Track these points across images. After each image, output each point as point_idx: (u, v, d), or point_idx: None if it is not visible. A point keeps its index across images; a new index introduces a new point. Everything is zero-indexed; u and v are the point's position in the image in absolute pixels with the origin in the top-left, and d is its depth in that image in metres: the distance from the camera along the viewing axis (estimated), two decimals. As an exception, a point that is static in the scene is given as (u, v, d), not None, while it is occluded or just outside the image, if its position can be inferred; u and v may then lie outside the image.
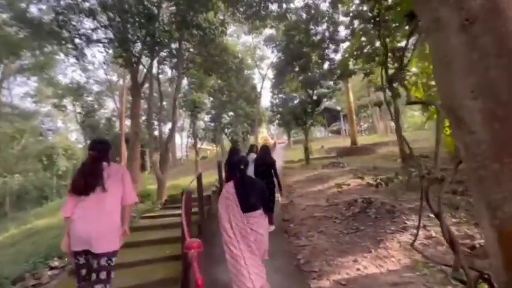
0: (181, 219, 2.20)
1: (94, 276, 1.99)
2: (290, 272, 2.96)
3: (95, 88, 28.16)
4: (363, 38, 7.72)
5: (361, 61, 8.17)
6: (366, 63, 7.68)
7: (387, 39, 6.13)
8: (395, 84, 6.62)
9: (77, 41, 8.18)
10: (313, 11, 10.56)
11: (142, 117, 15.75)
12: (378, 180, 4.76)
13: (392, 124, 32.84)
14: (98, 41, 8.75)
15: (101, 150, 2.20)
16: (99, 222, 1.99)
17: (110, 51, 9.56)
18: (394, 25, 5.82)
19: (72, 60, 9.37)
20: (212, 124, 23.09)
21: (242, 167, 2.37)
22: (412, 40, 7.23)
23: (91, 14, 7.57)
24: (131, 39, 8.18)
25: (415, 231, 3.53)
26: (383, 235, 3.49)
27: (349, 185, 6.44)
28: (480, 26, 1.01)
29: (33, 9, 11.69)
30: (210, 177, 9.72)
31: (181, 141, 41.40)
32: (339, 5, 9.74)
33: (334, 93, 14.11)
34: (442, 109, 1.27)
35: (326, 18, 10.42)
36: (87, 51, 9.20)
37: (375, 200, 4.84)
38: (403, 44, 6.98)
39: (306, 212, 5.02)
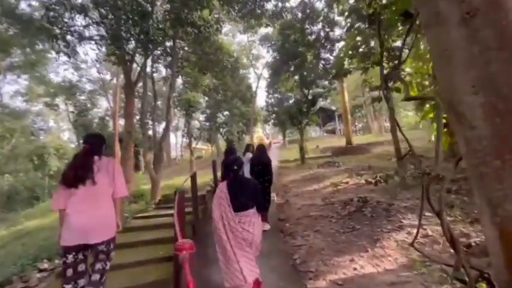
0: (173, 219, 2.13)
1: (93, 260, 2.08)
2: (286, 272, 2.92)
3: (88, 87, 27.81)
4: (358, 38, 7.73)
5: (356, 60, 8.18)
6: (361, 62, 7.70)
7: (384, 38, 6.14)
8: (390, 84, 6.64)
9: (68, 37, 7.99)
10: (308, 10, 10.56)
11: (136, 117, 15.57)
12: (378, 178, 4.76)
13: (387, 124, 33.23)
14: (90, 38, 8.57)
15: (94, 143, 2.23)
16: (93, 215, 2.02)
17: (103, 48, 9.39)
18: (389, 24, 5.83)
19: (64, 58, 9.14)
20: (207, 123, 22.98)
21: (235, 167, 2.41)
22: (406, 40, 7.30)
23: (83, 10, 7.40)
24: (124, 37, 8.02)
25: (412, 229, 3.54)
26: (379, 234, 3.48)
27: (347, 182, 6.46)
28: (481, 19, 0.99)
29: (23, 5, 11.44)
30: (205, 177, 9.64)
31: (176, 141, 41.20)
32: (334, 5, 9.77)
33: (329, 92, 14.16)
34: (442, 104, 1.24)
35: (321, 17, 10.43)
36: (79, 48, 8.99)
37: (371, 199, 4.84)
38: (397, 43, 7.03)
39: (301, 212, 4.99)
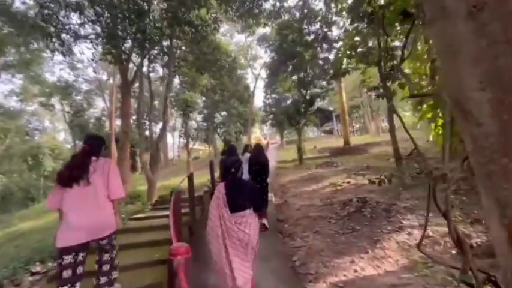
0: (169, 221, 2.07)
1: (99, 255, 2.17)
2: (286, 275, 2.86)
3: (84, 87, 27.60)
4: (356, 38, 7.72)
5: (354, 61, 8.17)
6: (359, 62, 7.69)
7: (383, 38, 6.13)
8: (389, 83, 6.63)
9: (63, 36, 7.86)
10: (306, 10, 10.54)
11: (133, 117, 15.43)
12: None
13: (384, 125, 33.37)
14: (86, 36, 8.46)
15: (93, 145, 2.27)
16: (92, 214, 2.05)
17: (99, 47, 9.28)
18: (388, 23, 5.82)
19: (60, 57, 9.00)
20: (204, 124, 22.90)
21: (233, 169, 2.45)
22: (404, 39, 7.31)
23: (78, 8, 7.29)
24: (121, 36, 7.91)
25: (412, 230, 3.50)
26: (379, 235, 3.43)
27: (347, 182, 6.42)
28: (489, 12, 0.95)
29: (17, 3, 11.29)
30: (202, 178, 9.56)
31: (173, 141, 41.01)
32: (332, 5, 9.75)
33: (327, 93, 14.16)
34: (449, 101, 1.20)
35: (319, 17, 10.41)
36: (74, 47, 8.86)
37: (370, 199, 4.81)
38: (396, 43, 7.02)
39: (300, 212, 4.94)
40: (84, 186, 2.05)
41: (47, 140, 25.55)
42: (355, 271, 2.75)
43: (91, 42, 8.55)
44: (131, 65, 10.97)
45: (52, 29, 7.49)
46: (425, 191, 5.24)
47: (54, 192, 2.10)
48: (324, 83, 13.44)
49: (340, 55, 9.13)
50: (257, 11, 10.46)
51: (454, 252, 2.86)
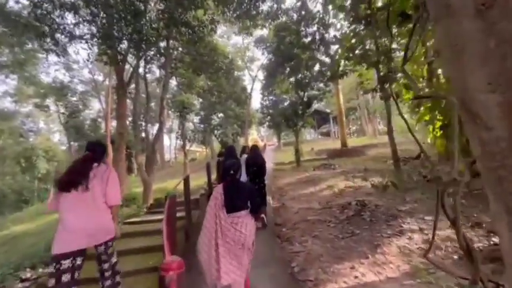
0: (162, 229, 1.98)
1: (99, 264, 2.20)
2: (285, 282, 2.77)
3: (80, 88, 27.41)
4: (353, 41, 7.70)
5: (352, 63, 8.15)
6: (357, 64, 7.67)
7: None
8: (386, 86, 6.60)
9: (58, 36, 7.73)
10: (303, 12, 10.53)
11: (128, 118, 15.25)
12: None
13: (381, 127, 33.55)
14: (81, 37, 8.32)
15: (96, 151, 2.31)
16: (90, 219, 2.07)
17: (94, 48, 9.16)
18: (385, 25, 5.79)
19: (55, 58, 8.89)
20: (201, 125, 22.79)
21: (232, 171, 2.48)
22: (400, 41, 7.31)
23: (73, 8, 7.17)
24: (116, 36, 7.80)
25: (412, 234, 3.43)
26: (379, 239, 3.36)
27: (346, 185, 6.34)
28: (498, 10, 0.91)
29: (11, 3, 11.12)
30: (199, 180, 9.45)
31: (170, 143, 40.78)
32: (329, 7, 9.75)
33: (324, 95, 14.16)
34: (457, 103, 1.13)
35: (317, 19, 10.40)
36: (70, 48, 8.73)
37: (369, 202, 4.75)
38: (394, 45, 7.01)
39: (298, 216, 4.86)
40: (82, 191, 2.07)
41: (41, 142, 25.20)
42: (356, 277, 2.67)
43: (86, 42, 8.42)
44: (127, 66, 10.85)
45: (46, 28, 7.36)
46: (423, 193, 5.20)
47: (54, 195, 2.12)
48: (322, 84, 13.45)
49: (337, 57, 9.11)
50: (254, 12, 10.43)
51: (456, 257, 2.80)
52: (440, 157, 7.45)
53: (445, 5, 1.03)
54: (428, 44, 7.22)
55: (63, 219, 2.02)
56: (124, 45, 8.95)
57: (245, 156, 4.88)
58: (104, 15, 7.44)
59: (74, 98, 26.36)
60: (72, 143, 26.75)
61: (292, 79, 13.00)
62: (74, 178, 2.08)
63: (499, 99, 0.90)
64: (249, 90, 24.55)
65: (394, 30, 6.30)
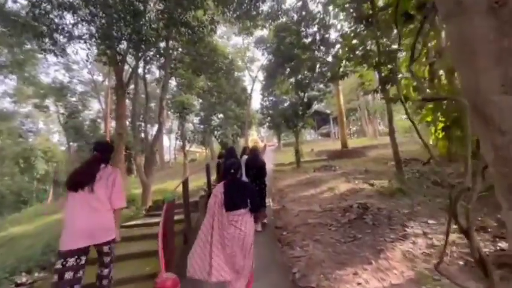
0: (158, 240, 1.91)
1: (99, 266, 2.23)
2: (285, 288, 2.69)
3: (79, 88, 27.38)
4: (354, 41, 7.65)
5: (353, 63, 8.09)
6: (358, 65, 7.60)
7: (384, 40, 6.06)
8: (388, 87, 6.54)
9: (56, 35, 7.65)
10: (304, 12, 10.46)
11: (128, 119, 15.17)
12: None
13: (381, 128, 33.48)
14: (80, 37, 8.25)
15: (104, 151, 2.36)
16: (93, 219, 2.10)
17: (93, 48, 9.08)
18: (387, 26, 5.74)
19: (54, 58, 8.81)
20: (201, 126, 22.73)
21: (232, 170, 2.50)
22: (402, 41, 7.25)
23: (71, 8, 7.10)
24: (116, 36, 7.72)
25: (416, 239, 3.36)
26: (382, 244, 3.28)
27: (347, 187, 6.25)
28: None
29: (9, 3, 11.06)
30: (199, 181, 9.38)
31: (169, 144, 40.70)
32: (330, 7, 9.69)
33: (325, 95, 14.10)
34: (468, 105, 1.07)
35: (317, 20, 10.34)
36: (69, 48, 8.66)
37: (371, 205, 4.67)
38: (395, 46, 6.95)
39: (299, 218, 4.78)
40: (88, 192, 2.13)
41: (41, 142, 25.11)
42: (359, 284, 2.59)
43: (85, 42, 8.35)
44: (127, 66, 10.78)
45: (44, 28, 7.29)
46: (426, 196, 5.13)
47: (64, 195, 2.21)
48: (322, 85, 13.37)
49: (338, 57, 9.05)
50: (255, 13, 10.36)
51: (461, 263, 2.73)
52: (442, 159, 7.39)
53: (457, 1, 0.97)
54: (429, 44, 7.16)
55: (68, 217, 2.07)
56: (123, 45, 8.88)
57: (245, 157, 4.82)
58: (103, 15, 7.36)
59: (74, 99, 26.33)
60: (71, 143, 26.68)
61: (292, 80, 12.92)
62: (81, 179, 2.15)
63: (513, 102, 0.85)
64: (249, 91, 24.50)
65: (394, 32, 6.25)
